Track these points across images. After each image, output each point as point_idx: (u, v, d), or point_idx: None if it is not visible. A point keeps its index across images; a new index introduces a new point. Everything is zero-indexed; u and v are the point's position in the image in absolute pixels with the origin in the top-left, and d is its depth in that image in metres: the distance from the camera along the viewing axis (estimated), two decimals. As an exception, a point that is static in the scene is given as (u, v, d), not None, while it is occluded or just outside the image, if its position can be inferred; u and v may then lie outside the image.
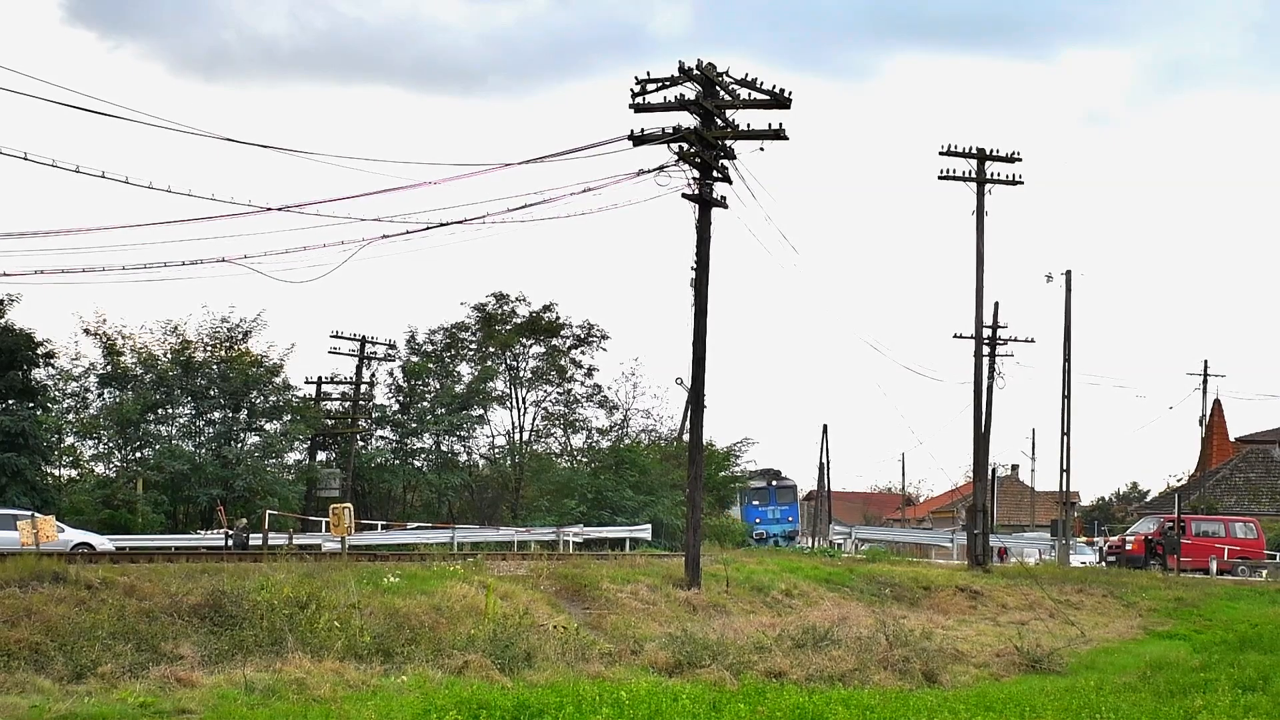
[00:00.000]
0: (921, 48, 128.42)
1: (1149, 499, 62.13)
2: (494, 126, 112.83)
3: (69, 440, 40.74)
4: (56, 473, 39.54)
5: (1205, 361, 54.89)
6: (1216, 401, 56.68)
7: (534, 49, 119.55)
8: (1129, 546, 37.29)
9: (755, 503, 51.34)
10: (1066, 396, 37.59)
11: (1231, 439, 56.82)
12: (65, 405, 40.81)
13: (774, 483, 51.50)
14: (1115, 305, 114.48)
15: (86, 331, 41.43)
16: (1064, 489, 38.54)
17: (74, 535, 27.00)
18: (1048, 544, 41.22)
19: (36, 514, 24.25)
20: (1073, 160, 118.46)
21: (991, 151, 31.83)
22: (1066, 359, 37.60)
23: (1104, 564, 37.40)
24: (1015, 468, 72.12)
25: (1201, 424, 56.19)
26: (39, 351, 36.49)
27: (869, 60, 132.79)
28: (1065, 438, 37.62)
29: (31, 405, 35.94)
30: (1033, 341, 38.52)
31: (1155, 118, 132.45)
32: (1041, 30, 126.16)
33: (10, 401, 35.13)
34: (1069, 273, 37.61)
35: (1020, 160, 31.99)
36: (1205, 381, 54.67)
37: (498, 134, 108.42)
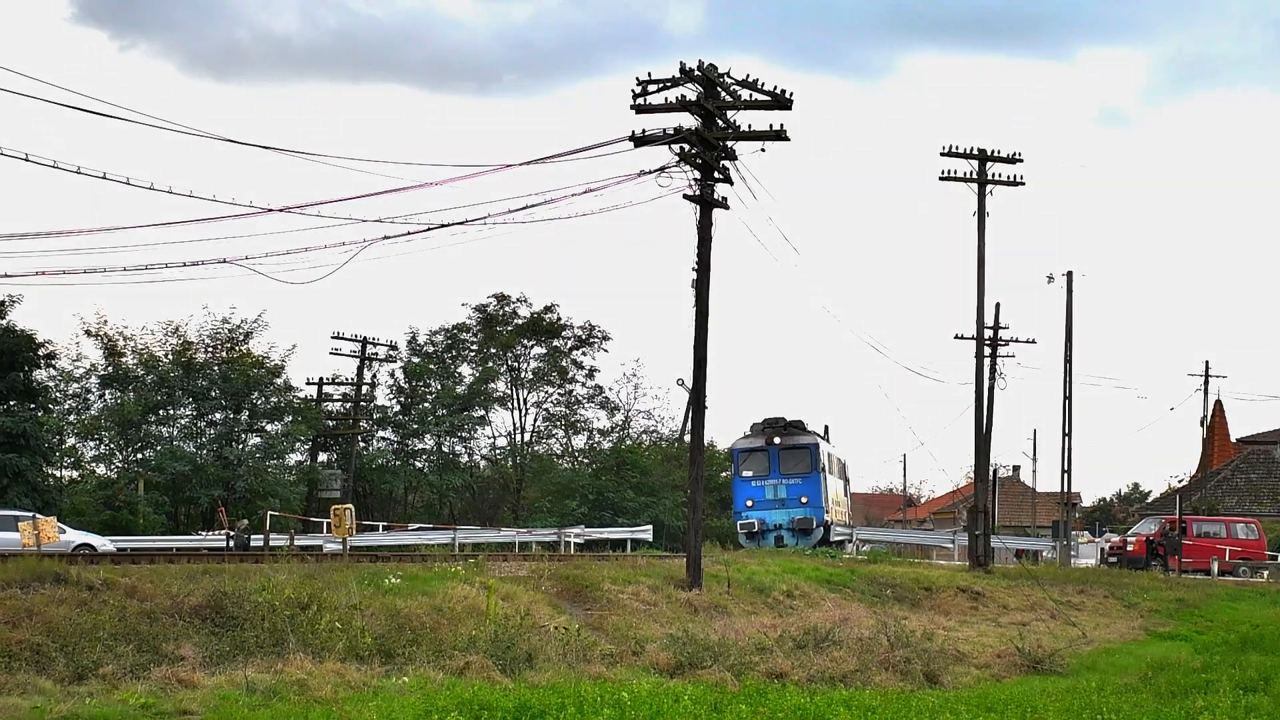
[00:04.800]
0: (937, 46, 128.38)
1: (1150, 500, 62.11)
2: (508, 125, 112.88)
3: (70, 441, 40.82)
4: (58, 474, 39.61)
5: (1206, 362, 54.73)
6: (1218, 402, 56.65)
7: (548, 47, 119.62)
8: (1130, 547, 37.28)
9: (747, 473, 32.64)
10: (1068, 397, 37.58)
11: (1233, 440, 56.78)
12: (66, 406, 40.89)
13: (777, 440, 32.58)
14: (1117, 306, 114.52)
15: (88, 332, 41.55)
16: (1065, 490, 38.51)
17: (75, 536, 27.01)
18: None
19: (38, 515, 24.28)
20: (1085, 160, 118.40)
21: (993, 152, 31.82)
22: (1068, 360, 37.59)
23: (1104, 564, 37.40)
24: (1017, 468, 72.12)
25: (1203, 425, 56.09)
26: (40, 353, 36.56)
27: (883, 59, 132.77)
28: (1066, 438, 37.61)
29: (33, 406, 35.98)
30: (1034, 342, 38.59)
31: (1170, 117, 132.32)
32: (1059, 28, 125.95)
33: (12, 402, 35.16)
34: (1070, 273, 37.63)
35: (1021, 161, 32.00)
36: (1206, 382, 54.56)
37: (512, 132, 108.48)
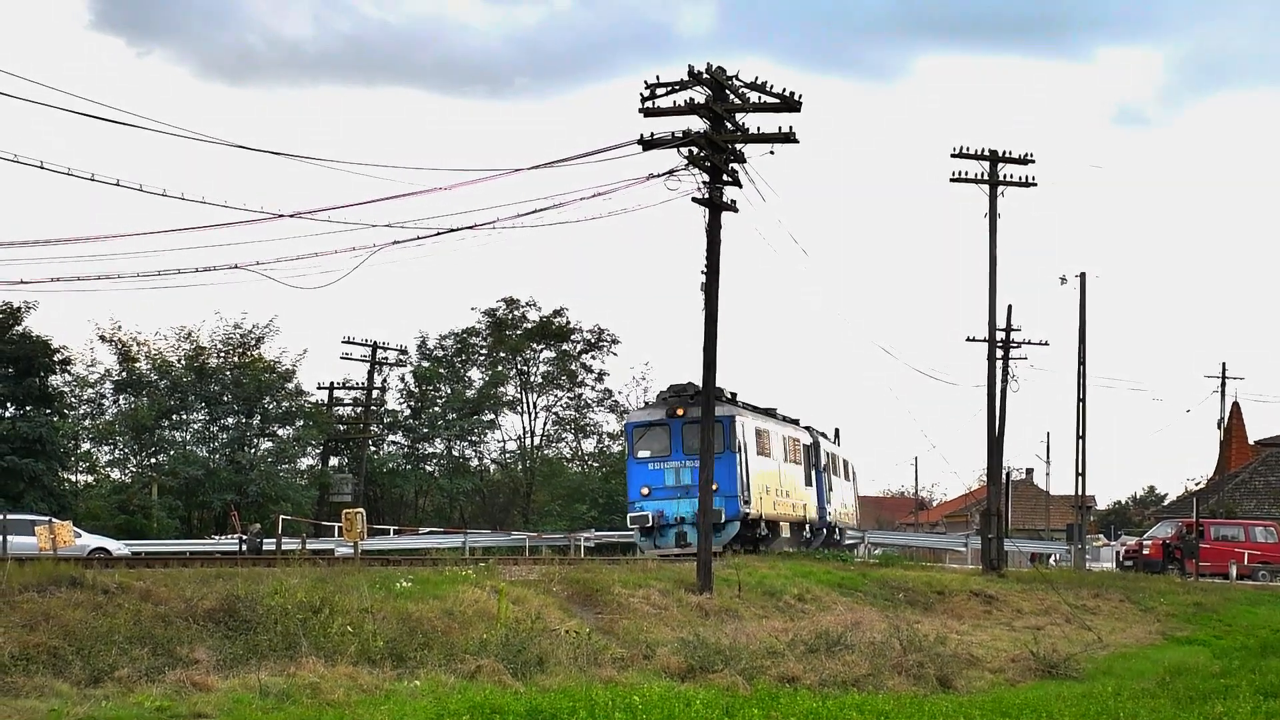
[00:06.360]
0: (952, 47, 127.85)
1: (1166, 503, 61.78)
2: (520, 128, 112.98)
3: (85, 446, 41.06)
4: (73, 478, 39.86)
5: (1223, 364, 54.52)
6: (1235, 404, 56.31)
7: (559, 50, 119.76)
8: (1147, 551, 37.09)
9: (644, 453, 26.49)
10: (1081, 399, 37.45)
11: (1250, 442, 56.33)
12: (81, 411, 41.15)
13: (681, 411, 25.87)
14: (1131, 307, 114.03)
15: (102, 338, 41.82)
16: (1079, 493, 38.37)
17: (90, 540, 27.15)
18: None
19: (54, 519, 24.44)
20: (1100, 161, 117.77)
21: (1004, 153, 31.75)
22: (1081, 361, 37.47)
23: (1119, 568, 37.21)
24: (1030, 471, 71.80)
25: (1220, 427, 55.79)
26: (56, 358, 36.85)
27: (897, 60, 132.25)
28: (1080, 441, 37.48)
29: (49, 411, 36.25)
30: (1047, 344, 38.42)
31: (1189, 117, 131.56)
32: (1077, 28, 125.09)
33: (28, 408, 35.41)
34: (1083, 274, 37.56)
35: (1033, 162, 31.92)
36: (1223, 384, 54.30)
37: (524, 135, 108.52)
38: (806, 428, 32.93)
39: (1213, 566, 35.22)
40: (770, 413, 30.49)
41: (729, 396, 27.31)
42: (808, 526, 32.05)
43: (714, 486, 24.10)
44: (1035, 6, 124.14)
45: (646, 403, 29.63)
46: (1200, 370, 68.72)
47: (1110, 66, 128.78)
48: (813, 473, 32.42)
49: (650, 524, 26.04)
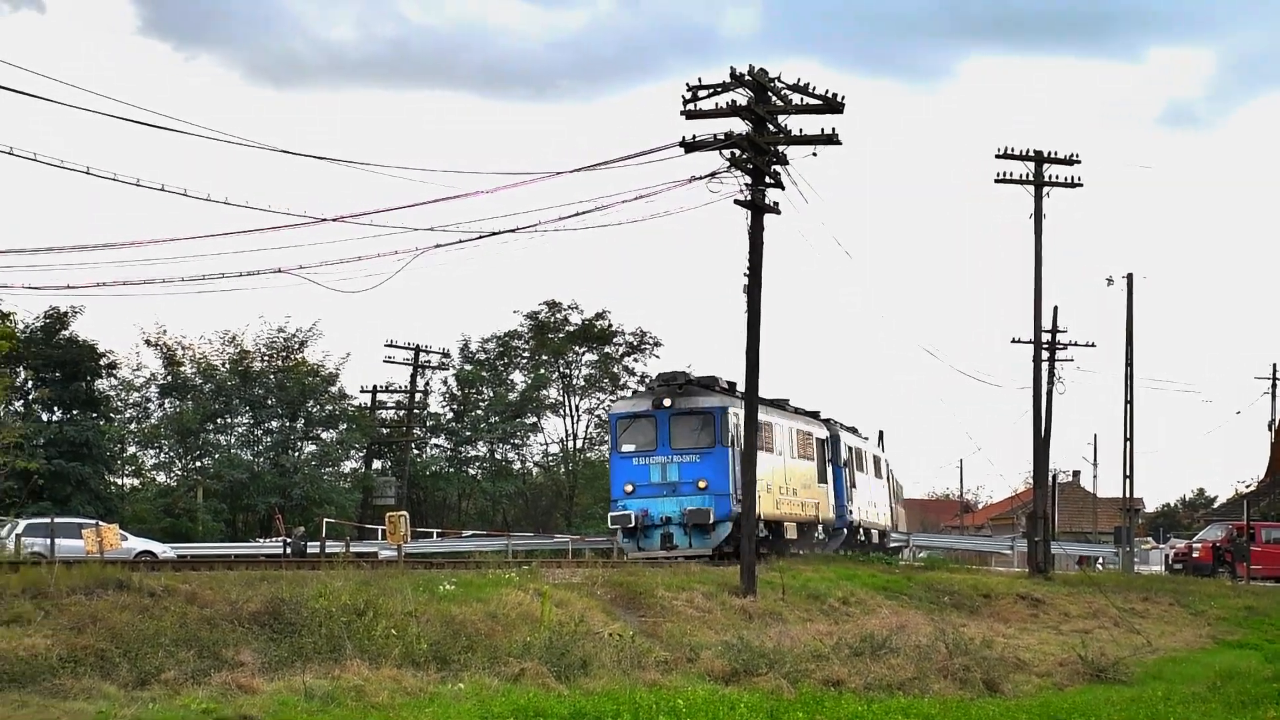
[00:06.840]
0: (997, 47, 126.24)
1: (1216, 505, 60.69)
2: (565, 130, 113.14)
3: (131, 449, 41.70)
4: (119, 482, 40.48)
5: (1274, 364, 53.40)
6: (1286, 405, 55.08)
7: (603, 53, 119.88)
8: (1196, 554, 36.48)
9: (628, 447, 24.43)
10: (1129, 401, 36.89)
11: (1302, 443, 55.14)
12: (127, 415, 41.77)
13: (668, 402, 24.14)
14: (1180, 308, 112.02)
15: (147, 342, 42.43)
16: (1127, 495, 37.76)
17: (136, 543, 27.56)
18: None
19: (100, 522, 24.81)
20: (1148, 161, 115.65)
21: (1049, 154, 31.34)
22: (1128, 363, 36.91)
23: (1168, 571, 36.59)
24: (1077, 473, 70.75)
25: (1271, 428, 54.65)
26: (102, 362, 37.50)
27: (942, 62, 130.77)
28: (1128, 443, 36.91)
29: (95, 415, 36.86)
30: (1093, 346, 37.90)
31: (1238, 117, 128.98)
32: (1125, 27, 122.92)
33: (75, 412, 36.04)
34: (1130, 275, 37.07)
35: (1079, 162, 31.47)
36: (1274, 385, 53.18)
37: (569, 138, 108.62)
38: (825, 421, 30.62)
39: (1264, 570, 34.60)
40: (779, 404, 27.90)
41: (724, 386, 24.79)
42: (821, 527, 29.36)
43: (703, 484, 23.15)
44: (1083, 5, 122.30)
45: (634, 390, 27.50)
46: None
47: (1160, 66, 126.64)
48: (829, 469, 29.82)
49: (633, 524, 23.69)
